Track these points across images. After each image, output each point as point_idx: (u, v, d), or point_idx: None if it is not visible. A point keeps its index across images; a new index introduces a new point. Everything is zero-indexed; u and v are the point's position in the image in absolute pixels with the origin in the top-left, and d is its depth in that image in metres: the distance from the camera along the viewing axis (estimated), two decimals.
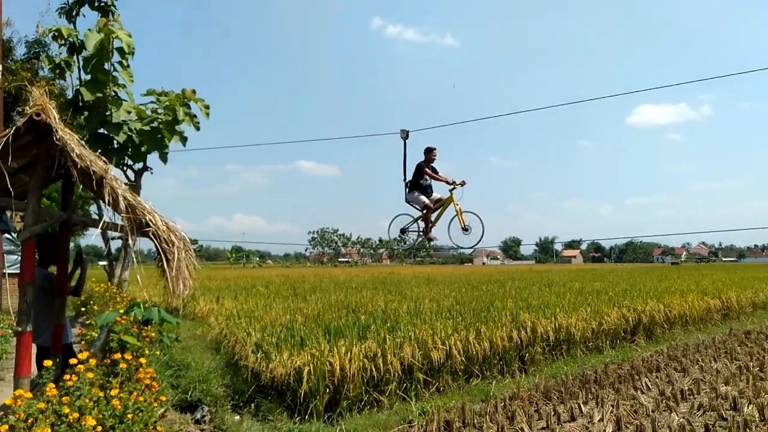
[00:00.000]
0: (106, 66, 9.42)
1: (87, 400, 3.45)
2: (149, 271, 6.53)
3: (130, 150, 9.98)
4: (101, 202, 4.25)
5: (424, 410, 6.10)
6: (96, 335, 5.73)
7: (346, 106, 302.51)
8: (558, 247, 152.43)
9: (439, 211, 8.87)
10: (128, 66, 9.66)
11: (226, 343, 8.46)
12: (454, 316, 9.18)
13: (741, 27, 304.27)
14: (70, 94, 11.92)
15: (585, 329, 9.60)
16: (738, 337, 11.13)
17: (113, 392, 3.62)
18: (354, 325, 8.18)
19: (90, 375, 3.68)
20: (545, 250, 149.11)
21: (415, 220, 9.12)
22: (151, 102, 10.22)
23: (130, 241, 3.96)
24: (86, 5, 10.50)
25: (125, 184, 4.16)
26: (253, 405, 6.42)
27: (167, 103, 9.89)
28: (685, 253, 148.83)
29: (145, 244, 4.39)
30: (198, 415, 6.06)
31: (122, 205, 3.90)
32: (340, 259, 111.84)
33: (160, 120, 9.78)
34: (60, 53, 11.25)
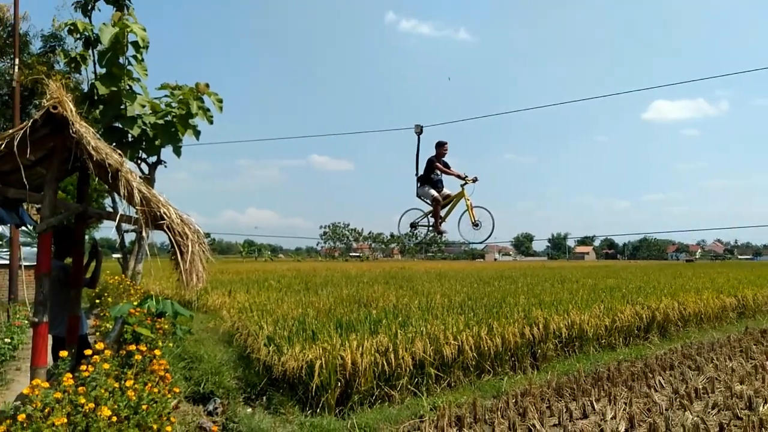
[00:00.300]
0: (121, 60, 9.50)
1: (102, 391, 3.49)
2: (162, 264, 6.57)
3: (144, 143, 10.08)
4: (116, 194, 4.28)
5: (436, 405, 6.09)
6: (110, 327, 5.80)
7: (359, 100, 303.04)
8: (571, 243, 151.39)
9: (450, 205, 8.83)
10: (143, 60, 9.73)
11: (239, 336, 8.51)
12: (465, 312, 9.15)
13: (760, 23, 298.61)
14: (85, 87, 12.05)
15: (598, 326, 9.53)
16: (754, 335, 10.97)
17: (128, 383, 3.66)
18: (365, 319, 8.18)
19: (105, 366, 3.72)
20: (558, 246, 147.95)
21: (426, 215, 9.10)
22: (165, 96, 10.29)
23: (144, 234, 3.99)
24: (102, 0, 10.59)
25: (139, 177, 4.19)
26: (264, 398, 6.45)
27: (181, 97, 9.96)
28: (699, 250, 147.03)
29: (158, 237, 4.43)
30: (210, 407, 6.11)
31: (137, 197, 3.93)
32: (351, 254, 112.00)
33: (174, 113, 9.84)
34: (75, 47, 11.37)
